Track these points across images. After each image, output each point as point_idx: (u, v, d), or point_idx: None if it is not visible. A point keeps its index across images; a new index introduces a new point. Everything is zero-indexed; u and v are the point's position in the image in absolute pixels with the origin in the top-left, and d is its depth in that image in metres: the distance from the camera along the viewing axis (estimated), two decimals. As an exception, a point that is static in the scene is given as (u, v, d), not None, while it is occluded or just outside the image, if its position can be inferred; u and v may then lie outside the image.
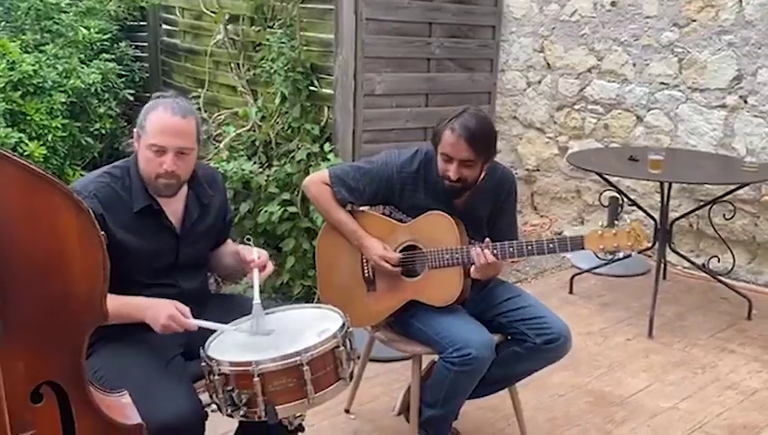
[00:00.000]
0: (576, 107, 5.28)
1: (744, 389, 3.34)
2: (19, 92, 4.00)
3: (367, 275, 2.70)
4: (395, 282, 2.65)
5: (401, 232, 2.66)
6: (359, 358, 3.02)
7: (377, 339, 2.82)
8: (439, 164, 2.55)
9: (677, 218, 4.35)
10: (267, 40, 3.91)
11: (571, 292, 4.41)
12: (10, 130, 3.81)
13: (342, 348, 2.03)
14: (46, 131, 4.08)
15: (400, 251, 2.65)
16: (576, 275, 4.48)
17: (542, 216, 5.63)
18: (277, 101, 3.86)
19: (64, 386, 1.65)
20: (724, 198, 4.24)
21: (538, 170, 5.59)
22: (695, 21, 4.61)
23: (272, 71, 3.85)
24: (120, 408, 1.82)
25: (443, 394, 2.57)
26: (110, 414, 1.73)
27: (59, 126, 4.15)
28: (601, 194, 4.70)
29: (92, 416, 1.69)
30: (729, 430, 3.01)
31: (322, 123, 3.87)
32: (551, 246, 2.57)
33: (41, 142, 3.97)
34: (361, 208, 2.74)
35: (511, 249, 2.53)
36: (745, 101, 4.47)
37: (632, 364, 3.56)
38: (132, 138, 2.29)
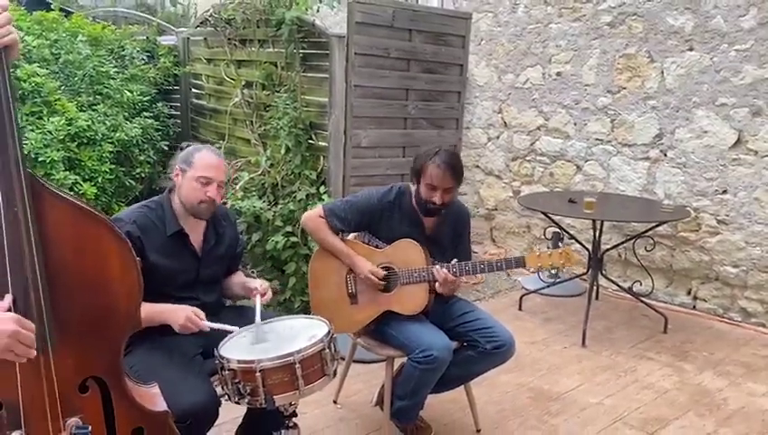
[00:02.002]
0: (527, 158, 5.41)
1: (658, 389, 3.41)
2: (75, 143, 4.02)
3: (350, 290, 2.76)
4: (374, 296, 2.72)
5: (378, 256, 2.72)
6: (342, 359, 3.13)
7: (358, 344, 2.89)
8: (424, 192, 2.61)
9: (607, 250, 4.45)
10: (275, 102, 3.96)
11: (520, 308, 4.48)
12: (68, 173, 3.83)
13: (327, 350, 2.10)
14: (97, 174, 4.09)
15: None
16: (524, 295, 4.55)
17: (498, 246, 5.73)
18: (282, 151, 3.91)
19: (105, 380, 1.70)
20: (646, 234, 4.35)
21: (496, 209, 5.70)
22: (624, 88, 4.75)
23: (278, 127, 3.90)
24: (151, 397, 1.88)
25: (410, 388, 2.64)
26: (142, 402, 1.80)
27: (107, 170, 4.16)
28: (545, 229, 4.81)
29: (128, 404, 1.75)
30: (644, 422, 3.07)
31: (319, 170, 3.92)
32: (498, 264, 2.67)
33: (92, 183, 3.99)
34: (348, 237, 2.82)
35: (466, 267, 2.64)
36: (665, 155, 4.59)
37: (567, 368, 3.63)
38: (170, 177, 2.41)
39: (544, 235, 4.88)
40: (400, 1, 4.06)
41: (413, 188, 2.72)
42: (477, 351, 2.66)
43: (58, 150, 3.73)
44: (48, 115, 3.83)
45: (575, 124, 5.06)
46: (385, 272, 2.70)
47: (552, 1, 5.06)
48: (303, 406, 3.08)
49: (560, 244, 4.82)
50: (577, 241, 4.55)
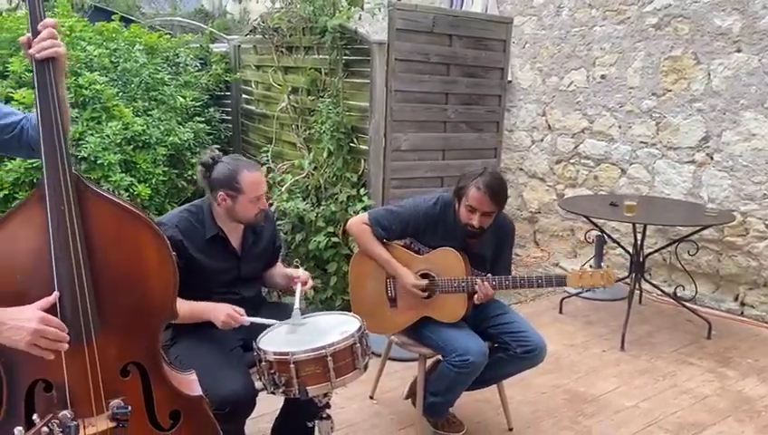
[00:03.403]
0: (571, 161, 5.37)
1: (698, 394, 3.35)
2: (131, 146, 4.12)
3: (390, 294, 2.81)
4: (413, 301, 2.75)
5: (419, 262, 2.75)
6: (378, 356, 3.21)
7: (393, 342, 2.96)
8: (463, 214, 2.61)
9: (649, 254, 4.38)
10: (319, 107, 4.04)
11: (560, 312, 4.46)
12: (124, 175, 3.93)
13: (359, 345, 2.16)
14: (151, 176, 4.17)
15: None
16: (565, 298, 4.52)
17: (542, 249, 5.69)
18: (325, 154, 3.99)
19: (145, 365, 1.80)
20: (690, 238, 4.26)
21: (539, 212, 5.67)
22: (670, 91, 4.67)
23: (321, 131, 3.98)
24: (188, 383, 1.97)
25: (445, 387, 2.69)
26: (179, 387, 1.89)
27: (161, 172, 4.25)
28: (587, 233, 4.77)
29: (166, 388, 1.85)
30: (680, 426, 3.03)
31: (359, 173, 3.98)
32: (539, 281, 2.67)
33: (147, 185, 4.07)
34: (389, 243, 2.83)
35: (506, 282, 2.64)
36: (711, 158, 4.50)
37: (605, 371, 3.60)
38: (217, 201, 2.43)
39: (585, 238, 4.83)
40: (441, 7, 4.09)
41: (456, 207, 2.70)
42: (508, 353, 2.69)
43: (115, 153, 3.90)
44: (107, 120, 4.00)
45: (619, 127, 4.99)
46: (426, 281, 2.72)
47: (597, 4, 5.02)
48: (341, 401, 3.18)
49: (603, 248, 4.78)
50: (619, 245, 4.49)
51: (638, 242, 4.15)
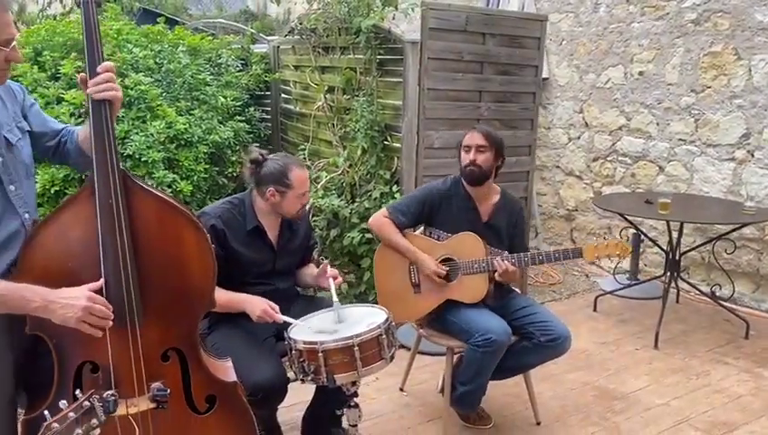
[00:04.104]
0: (608, 158, 5.35)
1: (731, 394, 3.33)
2: (174, 145, 4.27)
3: (414, 280, 2.91)
4: (436, 285, 2.85)
5: (439, 248, 2.87)
6: (406, 348, 3.30)
7: (421, 335, 3.04)
8: (462, 158, 2.88)
9: (685, 252, 4.34)
10: (353, 105, 4.15)
11: (594, 310, 4.45)
12: (167, 172, 4.09)
13: (385, 336, 2.25)
14: (193, 174, 4.32)
15: (440, 262, 2.85)
16: (599, 296, 4.52)
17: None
18: (359, 152, 4.10)
19: (184, 351, 1.93)
20: (727, 236, 4.22)
21: (576, 210, 5.66)
22: (709, 87, 4.61)
23: (356, 129, 4.09)
24: (224, 369, 2.10)
25: (472, 372, 2.75)
26: (215, 373, 2.01)
27: (202, 170, 4.38)
28: (621, 230, 4.75)
29: (202, 373, 1.97)
30: (711, 425, 3.03)
31: (392, 170, 4.07)
32: (556, 255, 2.76)
33: (189, 182, 4.21)
34: (412, 233, 2.96)
35: (525, 259, 2.76)
36: (752, 155, 4.43)
37: (636, 368, 3.60)
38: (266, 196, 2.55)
39: (620, 235, 4.81)
40: (474, 6, 4.13)
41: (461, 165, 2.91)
42: (532, 342, 2.75)
43: (159, 151, 4.07)
44: (151, 119, 4.18)
45: (657, 124, 4.95)
46: (446, 269, 2.83)
47: (635, 0, 4.98)
48: (372, 392, 3.28)
49: (639, 246, 4.76)
50: (655, 243, 4.47)
51: (674, 240, 4.12)
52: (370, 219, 3.03)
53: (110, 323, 1.74)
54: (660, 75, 4.90)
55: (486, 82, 4.14)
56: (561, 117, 5.68)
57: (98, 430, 1.54)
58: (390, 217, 2.92)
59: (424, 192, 2.98)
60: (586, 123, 5.48)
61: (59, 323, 1.69)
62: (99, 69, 1.76)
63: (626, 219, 4.36)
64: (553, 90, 5.68)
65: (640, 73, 5.03)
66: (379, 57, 4.11)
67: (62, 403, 1.54)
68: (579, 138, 5.56)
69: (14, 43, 1.68)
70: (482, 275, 2.79)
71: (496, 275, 2.74)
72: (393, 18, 4.19)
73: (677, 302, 4.55)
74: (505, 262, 2.71)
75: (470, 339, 2.70)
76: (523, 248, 2.93)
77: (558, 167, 5.77)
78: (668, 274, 4.18)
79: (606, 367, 3.62)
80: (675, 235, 4.16)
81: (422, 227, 3.04)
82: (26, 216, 1.84)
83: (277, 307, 2.45)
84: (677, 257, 4.17)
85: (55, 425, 1.49)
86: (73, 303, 1.67)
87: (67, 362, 1.82)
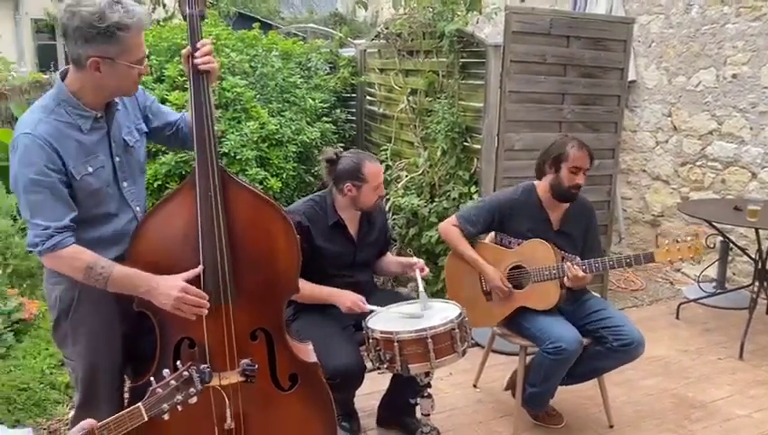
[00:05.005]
0: (697, 163, 5.18)
1: (821, 409, 3.19)
2: (266, 144, 4.52)
3: (485, 288, 2.94)
4: (508, 294, 2.87)
5: (510, 256, 2.89)
6: (478, 345, 3.37)
7: (494, 333, 3.10)
8: (566, 178, 2.78)
9: (777, 261, 4.16)
10: (435, 108, 4.24)
11: (677, 317, 4.34)
12: (259, 169, 4.36)
13: (457, 331, 2.34)
14: (282, 171, 4.56)
15: (510, 270, 2.88)
16: (683, 303, 4.40)
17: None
18: (439, 153, 4.18)
19: (270, 331, 2.11)
20: (825, 247, 4.01)
21: (662, 216, 5.51)
22: (810, 91, 4.41)
23: (437, 130, 4.17)
24: (306, 351, 2.28)
25: (541, 376, 2.79)
26: (297, 354, 2.20)
27: (291, 168, 4.63)
28: (707, 238, 4.59)
29: (286, 352, 2.15)
30: (796, 440, 2.93)
31: (472, 171, 4.12)
32: (627, 260, 2.75)
33: (278, 179, 4.47)
34: (482, 240, 3.01)
35: (596, 264, 2.74)
36: None
37: (718, 378, 3.51)
38: (344, 192, 2.70)
39: (706, 243, 4.65)
40: (558, 9, 4.14)
41: (547, 179, 2.86)
42: (605, 347, 2.74)
43: (252, 150, 4.34)
44: (245, 120, 4.45)
45: (751, 129, 4.76)
46: (509, 286, 2.85)
47: (730, 0, 4.81)
48: (446, 386, 3.37)
49: (727, 254, 4.60)
50: (744, 252, 4.31)
51: (763, 249, 3.97)
52: (440, 225, 3.08)
53: (205, 311, 1.93)
54: (755, 78, 4.70)
55: (569, 85, 4.14)
56: (648, 120, 5.55)
57: (195, 398, 1.73)
58: (459, 225, 2.96)
59: (494, 202, 2.99)
60: (674, 127, 5.33)
61: (159, 307, 1.90)
62: (198, 45, 1.98)
63: (713, 226, 4.23)
64: (641, 92, 5.56)
65: (734, 76, 4.85)
66: (461, 60, 4.19)
67: (166, 372, 1.73)
68: (666, 142, 5.41)
69: (146, 60, 1.92)
70: (553, 282, 2.78)
71: (566, 280, 2.74)
72: (477, 22, 4.25)
73: (767, 313, 4.36)
74: (575, 268, 2.72)
75: (541, 345, 2.74)
76: (596, 253, 2.91)
77: (644, 171, 5.64)
78: (757, 283, 4.02)
79: (685, 375, 3.55)
80: (766, 243, 4.00)
81: (492, 233, 3.07)
82: (137, 209, 2.07)
83: (364, 299, 2.59)
84: (767, 267, 4.01)
85: (159, 390, 1.69)
86: (168, 292, 1.88)
87: (168, 338, 2.03)
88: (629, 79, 4.77)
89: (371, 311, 2.51)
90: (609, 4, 5.42)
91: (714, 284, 4.69)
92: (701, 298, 4.45)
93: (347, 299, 2.58)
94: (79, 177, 1.88)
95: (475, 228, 2.94)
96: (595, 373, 2.91)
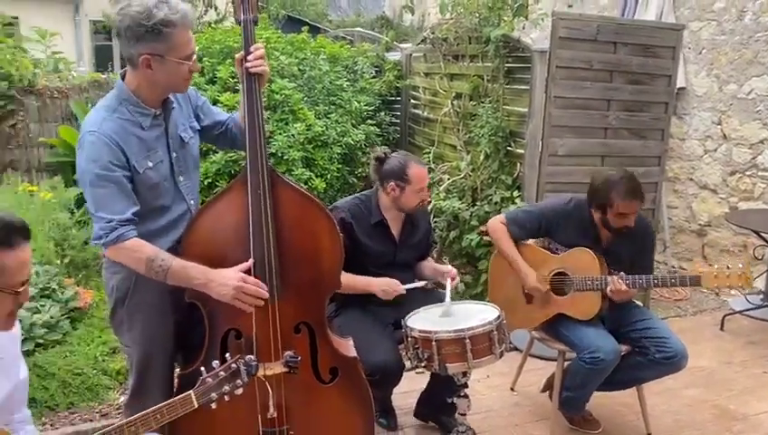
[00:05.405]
0: (747, 173, 5.05)
1: None
2: (311, 145, 4.63)
3: (527, 291, 2.93)
4: (548, 298, 2.87)
5: (554, 261, 2.87)
6: (516, 349, 3.38)
7: (533, 337, 3.11)
8: (615, 221, 2.72)
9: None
10: (479, 112, 4.27)
11: (722, 328, 4.25)
12: (304, 169, 4.47)
13: (495, 332, 2.38)
14: (327, 172, 4.67)
15: (553, 276, 2.86)
16: (728, 314, 4.31)
17: (709, 264, 5.38)
18: (482, 157, 4.21)
19: (313, 325, 2.19)
20: None
21: (709, 225, 5.40)
22: None
23: (480, 134, 4.20)
24: (346, 346, 2.34)
25: (577, 383, 2.80)
26: (338, 348, 2.26)
27: (335, 169, 4.73)
28: (755, 249, 4.50)
29: (328, 346, 2.22)
30: (842, 457, 2.87)
31: (514, 175, 4.14)
32: (673, 280, 2.72)
33: (323, 179, 4.58)
34: (529, 241, 2.99)
35: (640, 281, 2.70)
36: None
37: (762, 391, 3.43)
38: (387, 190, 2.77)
39: (753, 254, 4.56)
40: (606, 15, 4.12)
41: (596, 215, 2.81)
42: (647, 358, 2.73)
43: (298, 151, 4.45)
44: (293, 122, 4.57)
45: (805, 138, 4.64)
46: (547, 287, 2.85)
47: (786, 6, 4.71)
48: (483, 389, 3.40)
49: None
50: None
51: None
52: (489, 222, 3.09)
53: (262, 302, 2.01)
54: (811, 86, 4.58)
55: (615, 91, 4.11)
56: (697, 128, 5.45)
57: (241, 389, 1.81)
58: (506, 225, 2.95)
59: (543, 210, 2.96)
60: (724, 135, 5.22)
61: (216, 298, 1.99)
62: (251, 48, 2.07)
63: (761, 237, 4.14)
64: (690, 100, 5.46)
65: (788, 84, 4.73)
66: (506, 65, 4.21)
67: (215, 363, 1.82)
68: (715, 150, 5.30)
69: (195, 56, 2.01)
70: (595, 293, 2.76)
71: (608, 291, 2.71)
72: (523, 28, 4.27)
73: (819, 328, 4.24)
74: (620, 281, 2.68)
75: (579, 353, 2.74)
76: (645, 270, 2.83)
77: (691, 179, 5.54)
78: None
79: (728, 387, 3.48)
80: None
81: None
82: (191, 202, 2.17)
83: (398, 281, 2.66)
84: (819, 280, 3.91)
85: (209, 380, 1.77)
86: (228, 283, 1.97)
87: (216, 328, 2.12)
88: (678, 86, 4.71)
89: (413, 288, 2.61)
90: (659, 10, 5.34)
91: (761, 296, 4.59)
92: (747, 310, 4.36)
93: (381, 284, 2.66)
94: (141, 171, 1.99)
95: (521, 232, 2.94)
96: (635, 382, 2.90)
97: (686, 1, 5.41)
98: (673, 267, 5.46)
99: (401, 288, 2.63)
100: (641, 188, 2.72)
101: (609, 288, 2.71)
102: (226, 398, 1.78)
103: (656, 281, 2.73)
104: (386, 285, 2.64)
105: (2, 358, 1.62)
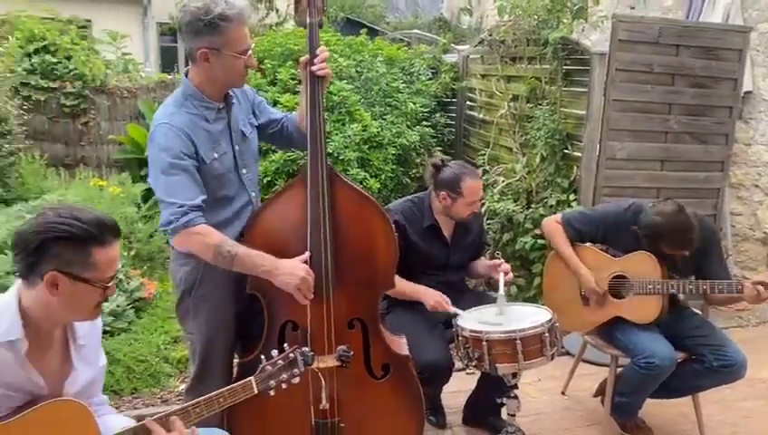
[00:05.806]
0: (818, 180, 4.88)
1: None
2: (367, 146, 4.68)
3: (583, 293, 2.90)
4: (605, 301, 2.84)
5: (614, 264, 2.83)
6: (568, 354, 3.35)
7: (586, 341, 3.07)
8: (668, 250, 2.65)
9: None
10: (536, 114, 4.25)
11: (787, 340, 4.13)
12: (359, 170, 4.53)
13: (547, 335, 2.37)
14: (381, 173, 4.70)
15: (612, 279, 2.82)
16: (793, 326, 4.18)
17: (774, 274, 5.22)
18: (538, 159, 4.18)
19: (366, 321, 2.24)
20: None
21: (775, 233, 5.23)
22: None
23: (537, 137, 4.18)
24: (399, 344, 2.39)
25: (631, 388, 2.77)
26: (391, 346, 2.31)
27: (390, 170, 4.77)
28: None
29: (380, 343, 2.27)
30: None
31: (571, 179, 4.10)
32: (720, 288, 2.65)
33: (377, 180, 4.62)
34: (586, 244, 2.94)
35: (691, 287, 2.67)
36: None
37: (828, 407, 3.31)
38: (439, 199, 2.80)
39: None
40: (668, 18, 4.05)
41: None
42: (704, 366, 2.68)
43: (354, 151, 4.52)
44: (349, 122, 4.64)
45: None
46: (605, 289, 2.82)
47: None
48: (534, 392, 3.39)
49: None
50: None
51: None
52: (544, 221, 3.06)
53: (312, 295, 2.09)
54: None
55: (677, 95, 4.03)
56: (764, 133, 5.27)
57: (297, 378, 1.88)
58: (563, 226, 2.92)
59: (601, 215, 2.91)
60: (793, 141, 5.04)
61: (279, 286, 2.07)
62: (317, 51, 2.15)
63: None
64: (757, 104, 5.27)
65: None
66: (565, 67, 4.18)
67: (274, 352, 1.89)
68: (784, 156, 5.12)
69: (250, 51, 2.10)
70: (655, 297, 2.72)
71: (745, 296, 2.60)
72: (582, 30, 4.23)
73: None
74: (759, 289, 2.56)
75: (633, 358, 2.70)
76: (719, 276, 2.75)
77: (757, 186, 5.35)
78: None
79: (790, 401, 3.37)
80: None
81: None
82: (253, 194, 2.27)
83: (448, 299, 2.67)
84: None
85: (268, 367, 1.84)
86: (295, 272, 2.05)
87: (275, 319, 2.21)
88: (745, 90, 4.57)
89: (455, 314, 2.58)
90: (726, 11, 5.18)
91: (830, 308, 4.41)
92: (814, 322, 4.20)
93: (432, 297, 2.67)
94: (209, 161, 2.09)
95: (577, 236, 2.91)
96: (690, 391, 2.85)
97: (755, 2, 5.23)
98: (735, 276, 5.28)
99: (450, 309, 2.63)
100: (691, 233, 2.61)
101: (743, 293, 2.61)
102: (284, 386, 1.84)
103: (704, 287, 2.67)
104: (435, 302, 2.65)
105: (85, 345, 1.73)
